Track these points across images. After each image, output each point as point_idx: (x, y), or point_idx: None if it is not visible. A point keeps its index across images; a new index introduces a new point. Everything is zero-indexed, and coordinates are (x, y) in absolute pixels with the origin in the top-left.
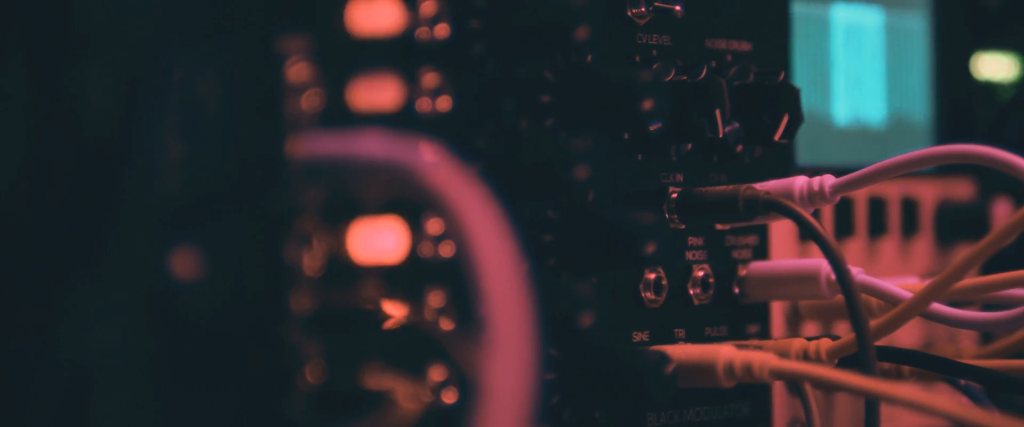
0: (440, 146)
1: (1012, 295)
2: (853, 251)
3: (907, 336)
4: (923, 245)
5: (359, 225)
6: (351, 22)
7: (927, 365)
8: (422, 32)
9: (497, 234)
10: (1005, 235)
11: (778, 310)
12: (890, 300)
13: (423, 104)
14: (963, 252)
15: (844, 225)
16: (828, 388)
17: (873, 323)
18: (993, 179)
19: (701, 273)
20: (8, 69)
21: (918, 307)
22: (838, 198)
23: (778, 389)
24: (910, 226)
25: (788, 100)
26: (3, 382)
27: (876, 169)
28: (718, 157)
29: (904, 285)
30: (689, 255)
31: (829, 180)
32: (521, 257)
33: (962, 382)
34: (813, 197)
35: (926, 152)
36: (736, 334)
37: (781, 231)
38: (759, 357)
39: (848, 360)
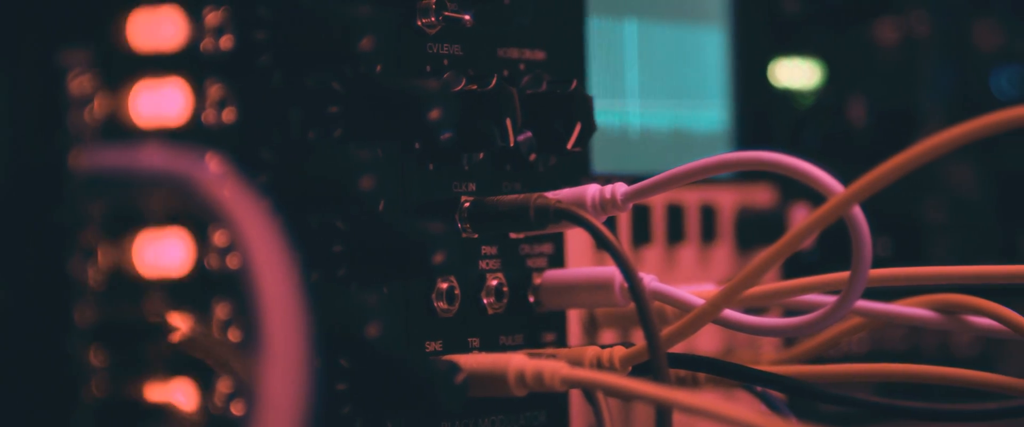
0: (225, 158)
1: (810, 300)
2: (651, 258)
3: (708, 342)
4: (723, 252)
5: (143, 237)
6: (134, 34)
7: (721, 372)
8: (207, 43)
9: (274, 246)
10: (798, 239)
11: (575, 318)
12: (682, 307)
13: (208, 116)
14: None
15: (642, 232)
16: (620, 396)
17: (665, 330)
18: (793, 186)
19: (495, 282)
20: None
21: (710, 313)
22: (630, 205)
23: (576, 397)
24: (709, 233)
25: (581, 108)
26: None
27: (668, 176)
28: (511, 166)
29: (700, 292)
30: (483, 264)
31: (621, 188)
32: (303, 268)
33: (759, 389)
34: (605, 205)
35: (718, 159)
36: (532, 342)
37: (577, 239)
38: (550, 366)
39: (642, 368)
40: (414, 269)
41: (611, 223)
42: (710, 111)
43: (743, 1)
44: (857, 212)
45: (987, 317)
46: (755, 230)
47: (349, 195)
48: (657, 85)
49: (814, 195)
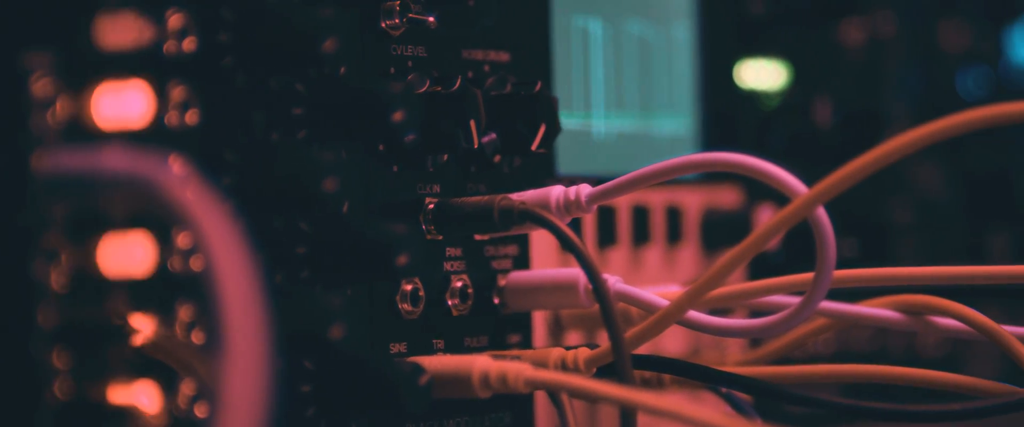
0: (188, 160)
1: (776, 301)
2: (617, 260)
3: (674, 343)
4: (689, 253)
5: (107, 239)
6: (97, 36)
7: (686, 373)
8: (170, 45)
9: (237, 248)
10: (763, 240)
11: (540, 319)
12: (647, 308)
13: (171, 118)
14: (723, 258)
15: (607, 233)
16: (585, 397)
17: (630, 332)
18: (759, 187)
19: (459, 283)
20: None
21: (675, 314)
22: (594, 207)
23: (541, 398)
24: (675, 234)
25: (545, 110)
26: None
27: (632, 177)
28: (476, 167)
29: (665, 293)
30: (447, 266)
31: (585, 189)
32: (266, 270)
33: (724, 390)
34: (569, 206)
35: (683, 160)
36: (497, 344)
37: (542, 241)
38: (514, 367)
39: (607, 369)
40: (378, 271)
41: (576, 225)
42: (676, 112)
43: (709, 2)
44: (821, 213)
45: (953, 318)
46: (721, 231)
47: (313, 197)
48: (622, 86)
49: (780, 196)
